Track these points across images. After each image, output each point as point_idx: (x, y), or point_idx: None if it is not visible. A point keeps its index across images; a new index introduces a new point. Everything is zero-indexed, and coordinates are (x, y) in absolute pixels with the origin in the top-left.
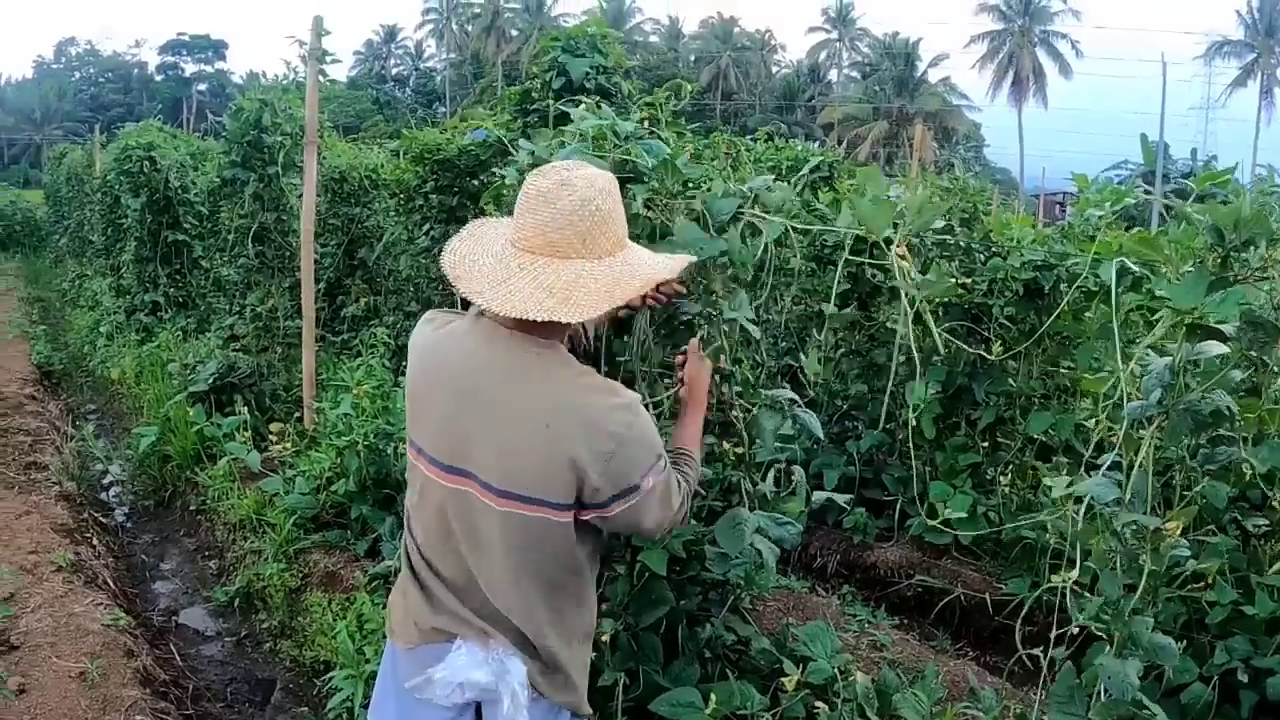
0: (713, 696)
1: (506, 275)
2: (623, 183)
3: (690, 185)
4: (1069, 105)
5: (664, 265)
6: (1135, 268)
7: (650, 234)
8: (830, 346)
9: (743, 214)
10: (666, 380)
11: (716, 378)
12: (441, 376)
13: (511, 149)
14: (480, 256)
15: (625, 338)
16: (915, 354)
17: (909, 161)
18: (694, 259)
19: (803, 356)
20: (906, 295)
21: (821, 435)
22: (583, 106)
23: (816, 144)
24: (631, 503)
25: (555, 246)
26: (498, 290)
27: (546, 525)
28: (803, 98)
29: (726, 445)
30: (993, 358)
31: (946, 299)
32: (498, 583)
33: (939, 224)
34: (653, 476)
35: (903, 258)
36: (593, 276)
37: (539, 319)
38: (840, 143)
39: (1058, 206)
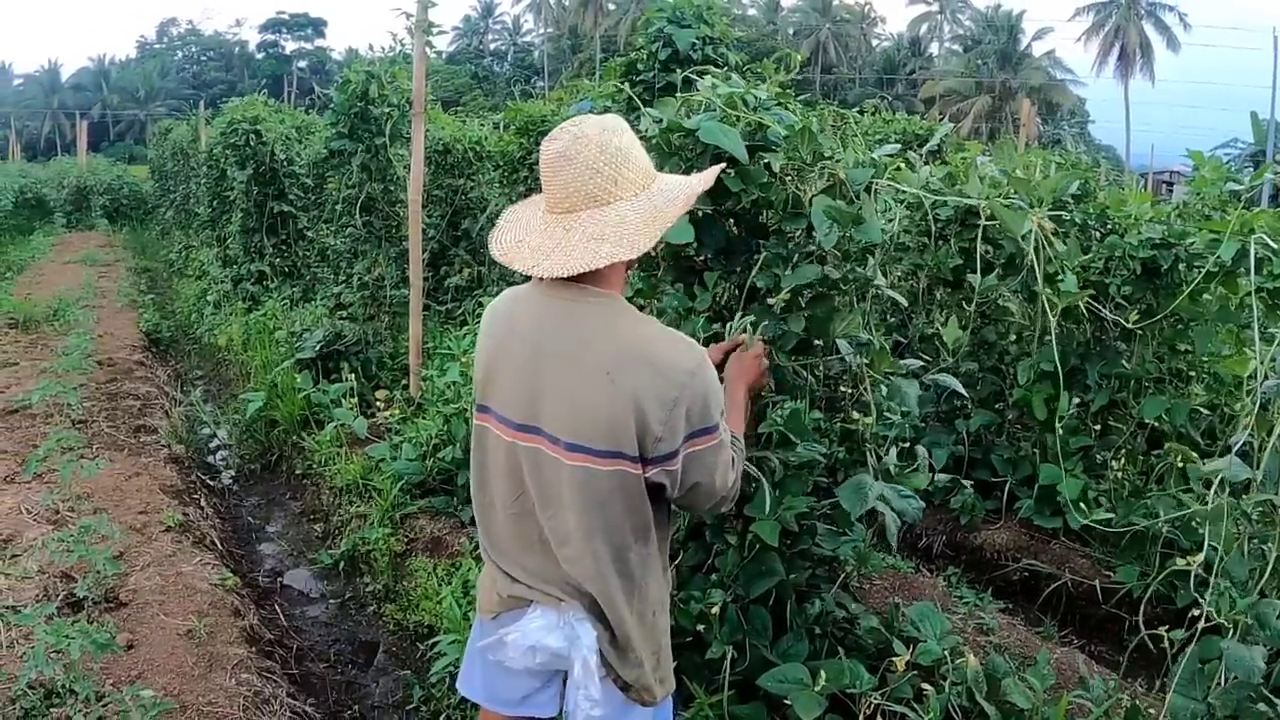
0: (822, 673)
1: (556, 241)
2: (754, 151)
3: (819, 155)
4: (1177, 79)
5: (697, 180)
6: (1273, 244)
7: (784, 203)
8: (942, 322)
9: (875, 184)
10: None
11: (847, 343)
12: (511, 337)
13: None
14: (526, 235)
15: None
16: (1054, 337)
17: (1013, 137)
18: (721, 166)
19: (941, 327)
20: (1041, 285)
21: (965, 393)
22: (710, 77)
23: (920, 118)
24: (693, 450)
25: (593, 197)
26: (553, 257)
27: (621, 479)
28: (903, 72)
29: (857, 417)
30: (1130, 325)
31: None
32: (569, 541)
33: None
34: (715, 434)
35: (1043, 230)
36: (634, 212)
37: (601, 265)
38: (942, 117)
39: (1165, 185)
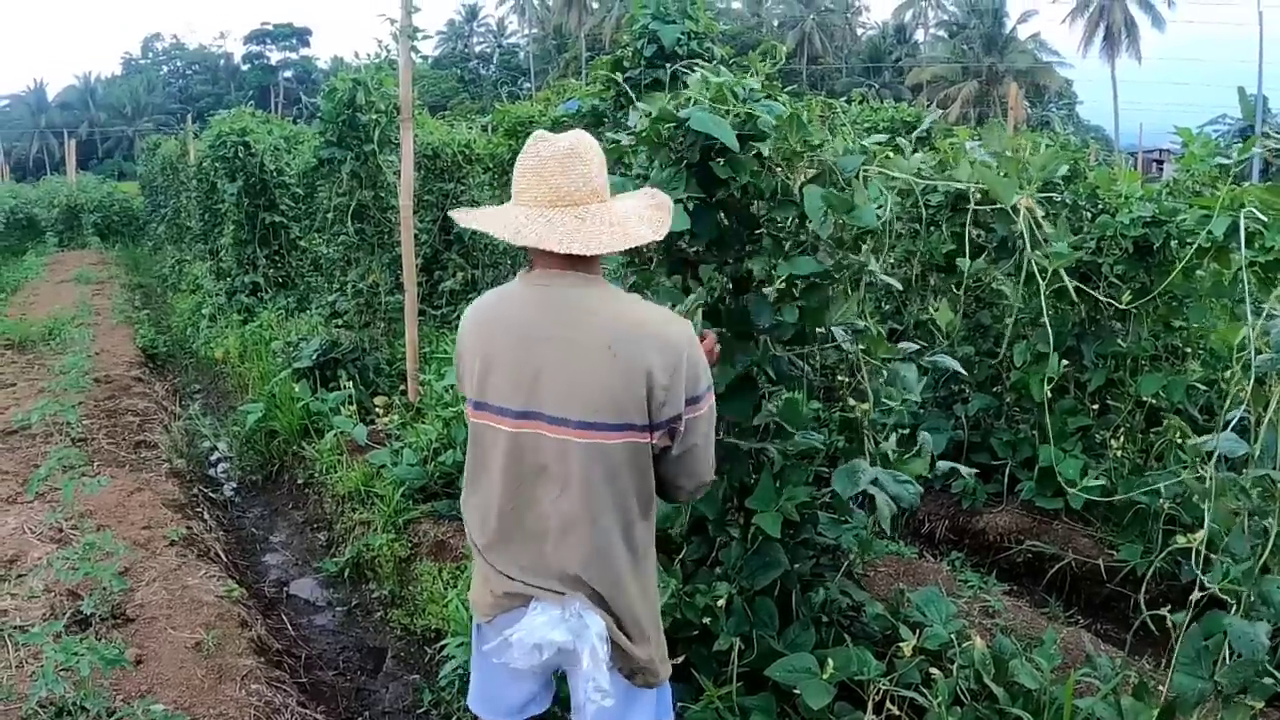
0: (829, 662)
1: (579, 224)
2: (744, 140)
3: (808, 144)
4: (1163, 57)
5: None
6: (1264, 218)
7: (773, 191)
8: (935, 308)
9: (866, 171)
10: None
11: (842, 331)
12: (504, 330)
13: (606, 117)
14: (528, 223)
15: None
16: (1047, 316)
17: (1001, 120)
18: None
19: (933, 312)
20: (1029, 255)
21: (964, 372)
22: (700, 71)
23: (908, 105)
24: (698, 413)
25: (596, 192)
26: (574, 238)
27: (632, 450)
28: (889, 59)
29: (854, 404)
30: (1124, 305)
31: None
32: (576, 523)
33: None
34: (705, 403)
35: (1031, 211)
36: (629, 209)
37: (644, 241)
38: (930, 104)
39: (1155, 164)
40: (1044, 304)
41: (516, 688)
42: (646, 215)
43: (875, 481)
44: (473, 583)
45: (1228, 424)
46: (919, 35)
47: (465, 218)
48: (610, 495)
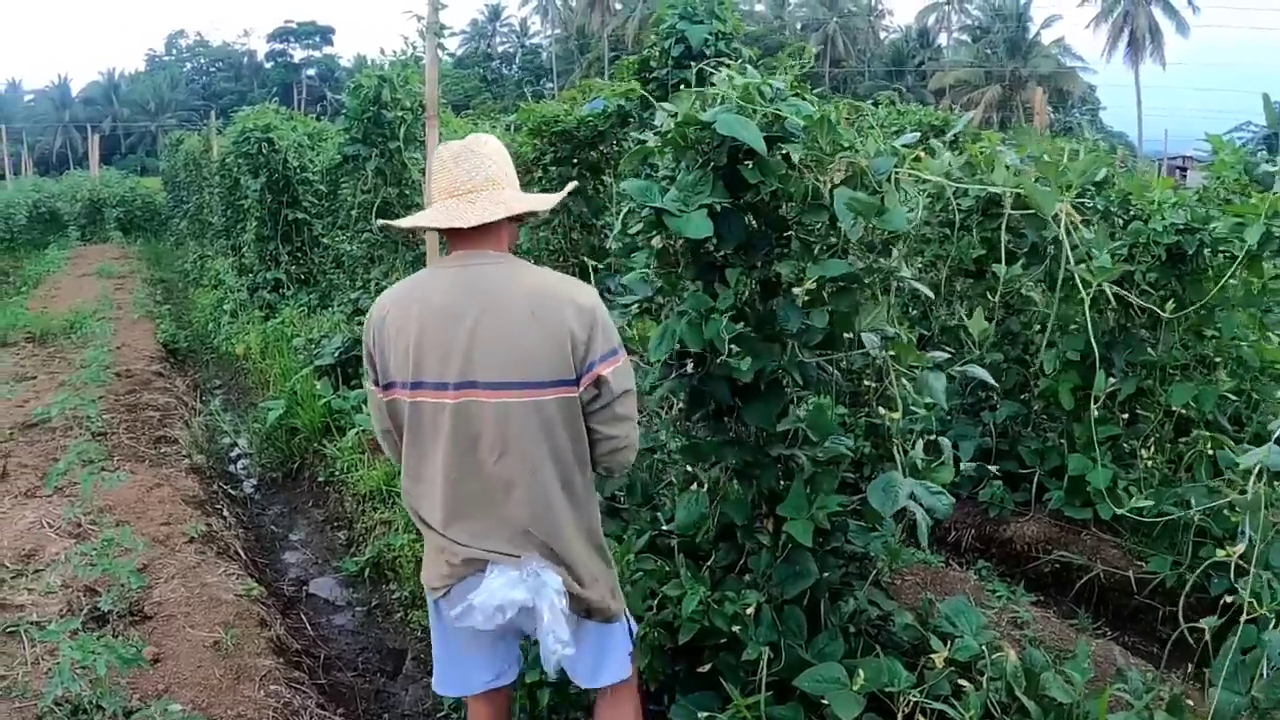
0: (859, 672)
1: (463, 211)
2: (772, 142)
3: (838, 146)
4: (1187, 62)
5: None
6: None
7: (803, 194)
8: (965, 314)
9: (897, 173)
10: None
11: (873, 336)
12: (427, 312)
13: (632, 117)
14: (432, 213)
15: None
16: (1088, 326)
17: (1026, 126)
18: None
19: (965, 319)
20: (1071, 266)
21: (994, 383)
22: (725, 69)
23: (934, 109)
24: (616, 365)
25: (492, 180)
26: (466, 217)
27: (566, 405)
28: (912, 63)
29: (884, 412)
30: (1165, 314)
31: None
32: (518, 480)
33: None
34: (621, 356)
35: (1070, 218)
36: (526, 195)
37: (500, 216)
38: (953, 108)
39: (1178, 171)
40: (1087, 316)
41: (484, 661)
42: (540, 198)
43: (911, 496)
44: (424, 562)
45: (1262, 436)
46: (942, 39)
47: (393, 223)
48: (547, 450)
